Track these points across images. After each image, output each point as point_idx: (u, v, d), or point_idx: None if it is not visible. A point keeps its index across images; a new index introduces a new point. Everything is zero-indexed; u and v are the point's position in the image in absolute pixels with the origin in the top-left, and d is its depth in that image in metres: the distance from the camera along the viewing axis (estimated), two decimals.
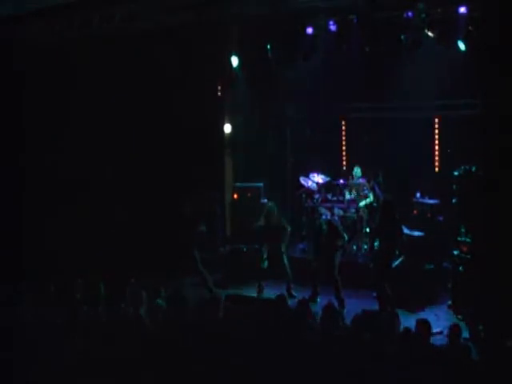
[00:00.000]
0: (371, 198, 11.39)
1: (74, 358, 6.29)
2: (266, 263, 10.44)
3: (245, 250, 11.47)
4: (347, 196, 11.55)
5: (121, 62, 11.62)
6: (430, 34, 9.75)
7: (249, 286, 10.59)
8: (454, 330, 6.27)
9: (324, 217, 10.05)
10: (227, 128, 12.63)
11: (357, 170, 11.69)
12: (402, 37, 9.86)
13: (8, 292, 7.84)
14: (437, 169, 11.49)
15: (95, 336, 6.64)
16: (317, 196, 11.83)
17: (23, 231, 11.62)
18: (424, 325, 6.24)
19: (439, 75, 10.71)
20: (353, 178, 11.70)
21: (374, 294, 9.79)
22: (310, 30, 10.59)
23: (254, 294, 10.16)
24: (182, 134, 11.91)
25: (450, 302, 9.58)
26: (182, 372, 6.03)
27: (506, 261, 7.96)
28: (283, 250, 10.32)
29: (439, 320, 8.98)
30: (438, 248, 10.37)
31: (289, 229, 10.34)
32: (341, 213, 11.50)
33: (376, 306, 9.26)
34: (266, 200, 11.45)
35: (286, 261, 10.37)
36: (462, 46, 9.74)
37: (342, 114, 12.75)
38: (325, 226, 9.86)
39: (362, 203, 11.37)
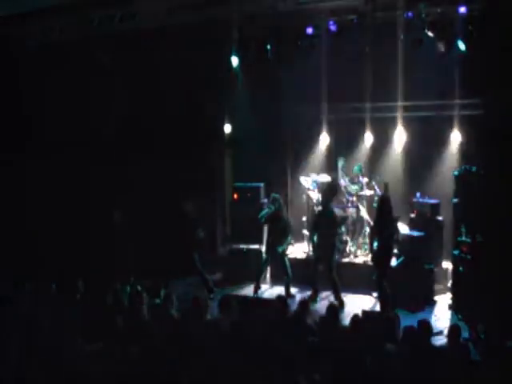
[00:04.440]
0: (363, 187, 11.41)
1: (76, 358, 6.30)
2: (266, 263, 10.48)
3: (245, 250, 11.48)
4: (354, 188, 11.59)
5: (120, 62, 11.61)
6: (429, 34, 9.75)
7: (249, 285, 10.60)
8: (454, 330, 6.27)
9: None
10: (227, 128, 12.62)
11: (356, 168, 11.68)
12: (402, 37, 9.86)
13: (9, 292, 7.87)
14: (437, 169, 11.48)
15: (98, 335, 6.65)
16: (317, 196, 11.83)
17: (24, 231, 11.61)
18: (425, 325, 6.25)
19: (439, 75, 10.71)
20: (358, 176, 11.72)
21: (374, 294, 9.80)
22: (309, 30, 10.58)
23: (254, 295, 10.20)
24: (181, 134, 11.90)
25: (450, 302, 9.59)
26: (181, 372, 6.03)
27: (506, 261, 7.96)
28: (283, 247, 10.33)
29: (439, 320, 8.98)
30: (438, 248, 10.37)
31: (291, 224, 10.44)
32: (341, 213, 11.50)
33: (376, 306, 9.27)
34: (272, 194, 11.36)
35: (285, 260, 10.39)
36: (462, 46, 9.74)
37: (341, 114, 12.73)
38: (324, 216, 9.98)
39: (354, 187, 11.40)
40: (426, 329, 6.26)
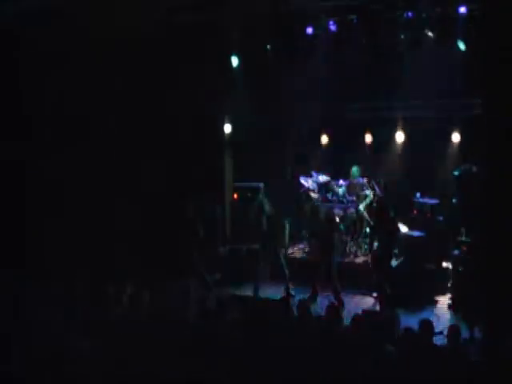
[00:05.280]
0: (371, 197, 11.40)
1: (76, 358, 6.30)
2: (263, 263, 10.49)
3: (245, 249, 11.47)
4: (340, 192, 11.54)
5: (120, 62, 11.61)
6: (429, 34, 9.75)
7: (249, 285, 10.60)
8: (454, 330, 6.27)
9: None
10: (227, 128, 12.62)
11: (354, 170, 11.70)
12: (402, 37, 9.86)
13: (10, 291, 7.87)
14: (437, 169, 11.49)
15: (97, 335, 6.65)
16: (317, 196, 11.83)
17: (25, 231, 11.62)
18: (427, 325, 6.24)
19: (439, 75, 10.71)
20: (352, 177, 11.72)
21: (374, 294, 9.80)
22: (309, 30, 10.58)
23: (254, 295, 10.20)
24: (182, 134, 11.90)
25: (449, 302, 9.58)
26: (182, 371, 6.03)
27: (505, 261, 7.95)
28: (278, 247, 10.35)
29: (439, 320, 8.98)
30: (438, 248, 10.37)
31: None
32: (341, 213, 11.51)
33: (376, 306, 9.26)
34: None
35: (282, 259, 10.39)
36: (461, 46, 9.74)
37: (341, 114, 12.74)
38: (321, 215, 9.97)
39: (362, 206, 11.37)
40: (427, 329, 6.25)
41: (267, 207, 10.41)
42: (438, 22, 9.68)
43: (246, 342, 6.32)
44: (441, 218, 10.64)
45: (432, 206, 10.71)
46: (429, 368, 5.62)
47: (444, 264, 10.45)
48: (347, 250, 11.36)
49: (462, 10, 9.41)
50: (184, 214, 10.70)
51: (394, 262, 9.79)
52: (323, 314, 6.96)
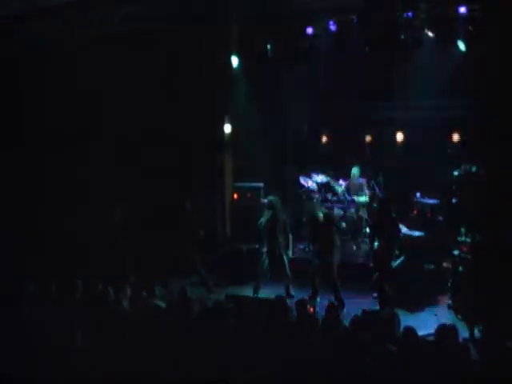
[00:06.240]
0: (370, 197, 11.40)
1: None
2: (266, 263, 10.46)
3: (245, 249, 11.47)
4: (339, 189, 11.56)
5: (120, 62, 11.61)
6: (429, 34, 9.76)
7: (249, 285, 10.60)
8: (454, 331, 6.26)
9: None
10: (227, 128, 12.62)
11: (355, 170, 11.70)
12: (402, 37, 9.87)
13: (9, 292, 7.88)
14: (437, 169, 11.49)
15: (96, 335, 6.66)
16: (317, 196, 11.83)
17: (24, 231, 11.62)
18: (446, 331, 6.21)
19: (439, 75, 10.72)
20: (352, 177, 11.74)
21: (374, 294, 9.80)
22: (309, 30, 10.59)
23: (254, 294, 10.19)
24: (181, 133, 11.90)
25: (449, 302, 9.58)
26: (182, 371, 6.03)
27: (506, 261, 7.96)
28: (282, 249, 10.33)
29: (439, 320, 8.97)
30: (438, 248, 10.37)
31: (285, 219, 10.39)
32: (341, 213, 11.51)
33: (376, 306, 9.26)
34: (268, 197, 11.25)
35: (285, 260, 10.38)
36: (461, 46, 9.75)
37: (341, 114, 12.74)
38: (321, 215, 9.94)
39: (362, 198, 11.39)
40: (446, 335, 6.22)
41: (282, 215, 10.39)
42: (438, 22, 9.69)
43: (245, 342, 6.32)
44: (441, 218, 10.64)
45: (432, 205, 10.70)
46: (429, 368, 5.61)
47: (444, 264, 10.45)
48: (347, 250, 11.36)
49: (462, 10, 9.42)
50: (184, 213, 10.71)
51: (393, 262, 9.78)
52: (323, 314, 6.97)
